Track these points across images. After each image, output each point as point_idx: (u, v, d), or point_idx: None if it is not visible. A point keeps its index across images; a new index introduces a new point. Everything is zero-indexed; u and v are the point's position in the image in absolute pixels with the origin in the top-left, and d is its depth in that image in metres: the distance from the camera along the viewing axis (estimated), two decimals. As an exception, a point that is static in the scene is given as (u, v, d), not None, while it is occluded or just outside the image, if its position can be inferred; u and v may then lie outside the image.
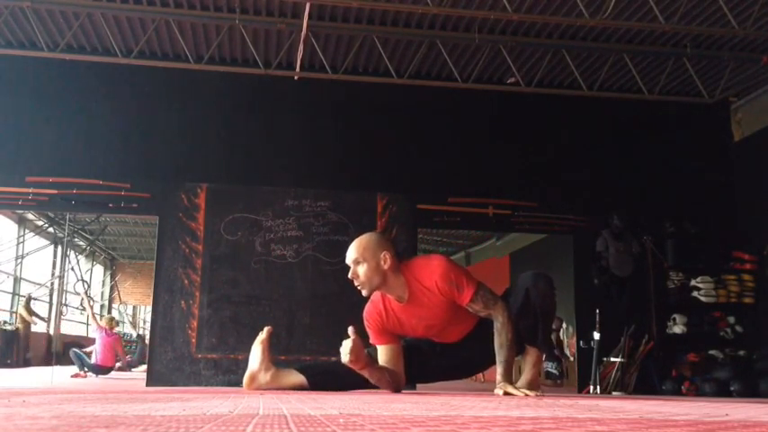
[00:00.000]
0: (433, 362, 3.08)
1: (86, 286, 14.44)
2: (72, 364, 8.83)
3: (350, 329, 2.70)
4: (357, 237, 2.90)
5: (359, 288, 2.84)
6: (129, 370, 10.47)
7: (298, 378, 3.02)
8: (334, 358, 2.99)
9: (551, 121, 6.59)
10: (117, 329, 10.14)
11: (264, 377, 3.02)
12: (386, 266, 2.77)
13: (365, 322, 2.94)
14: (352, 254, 2.81)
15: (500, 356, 2.76)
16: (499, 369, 2.78)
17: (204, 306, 5.72)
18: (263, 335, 3.14)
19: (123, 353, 10.02)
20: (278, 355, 5.13)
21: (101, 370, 8.47)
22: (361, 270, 2.79)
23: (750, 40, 5.81)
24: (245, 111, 6.21)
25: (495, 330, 2.77)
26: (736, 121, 6.85)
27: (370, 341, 2.96)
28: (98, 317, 10.01)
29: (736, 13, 5.21)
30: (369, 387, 2.95)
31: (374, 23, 5.71)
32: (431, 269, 2.80)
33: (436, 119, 6.44)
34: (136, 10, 5.45)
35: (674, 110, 6.67)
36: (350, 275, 2.83)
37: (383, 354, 2.92)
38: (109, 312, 17.91)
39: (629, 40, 5.93)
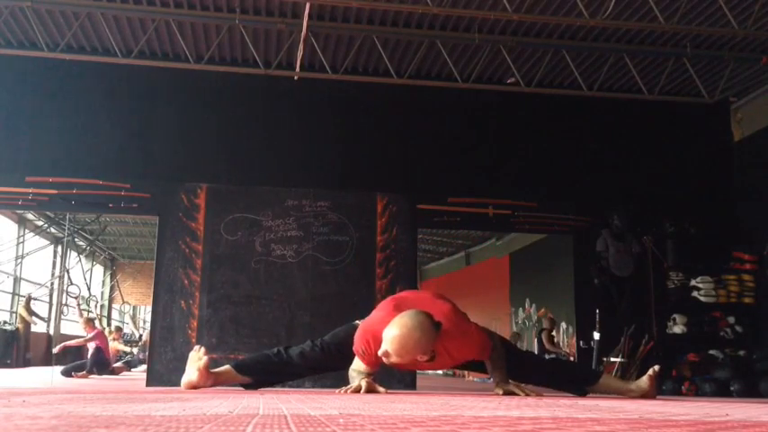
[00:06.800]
0: None
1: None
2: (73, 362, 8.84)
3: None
4: (399, 331, 2.59)
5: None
6: (129, 369, 10.47)
7: (241, 378, 3.01)
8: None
9: (551, 121, 6.58)
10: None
11: (206, 383, 2.92)
12: (429, 355, 2.71)
13: (357, 350, 2.85)
14: (403, 356, 2.63)
15: (494, 366, 2.94)
16: (496, 374, 2.95)
17: (204, 306, 5.72)
18: (200, 362, 2.88)
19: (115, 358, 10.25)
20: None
21: (104, 363, 8.45)
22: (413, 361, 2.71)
23: (750, 40, 5.81)
24: (245, 111, 6.20)
25: (490, 363, 2.95)
26: (736, 121, 6.84)
27: (357, 354, 2.90)
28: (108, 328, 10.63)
29: (736, 13, 5.21)
30: (309, 375, 2.91)
31: (374, 23, 5.71)
32: (469, 347, 2.81)
33: (436, 119, 6.43)
34: (136, 10, 5.45)
35: (674, 110, 6.67)
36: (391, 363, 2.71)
37: (361, 367, 2.90)
38: (109, 312, 17.95)
39: (629, 40, 5.93)
